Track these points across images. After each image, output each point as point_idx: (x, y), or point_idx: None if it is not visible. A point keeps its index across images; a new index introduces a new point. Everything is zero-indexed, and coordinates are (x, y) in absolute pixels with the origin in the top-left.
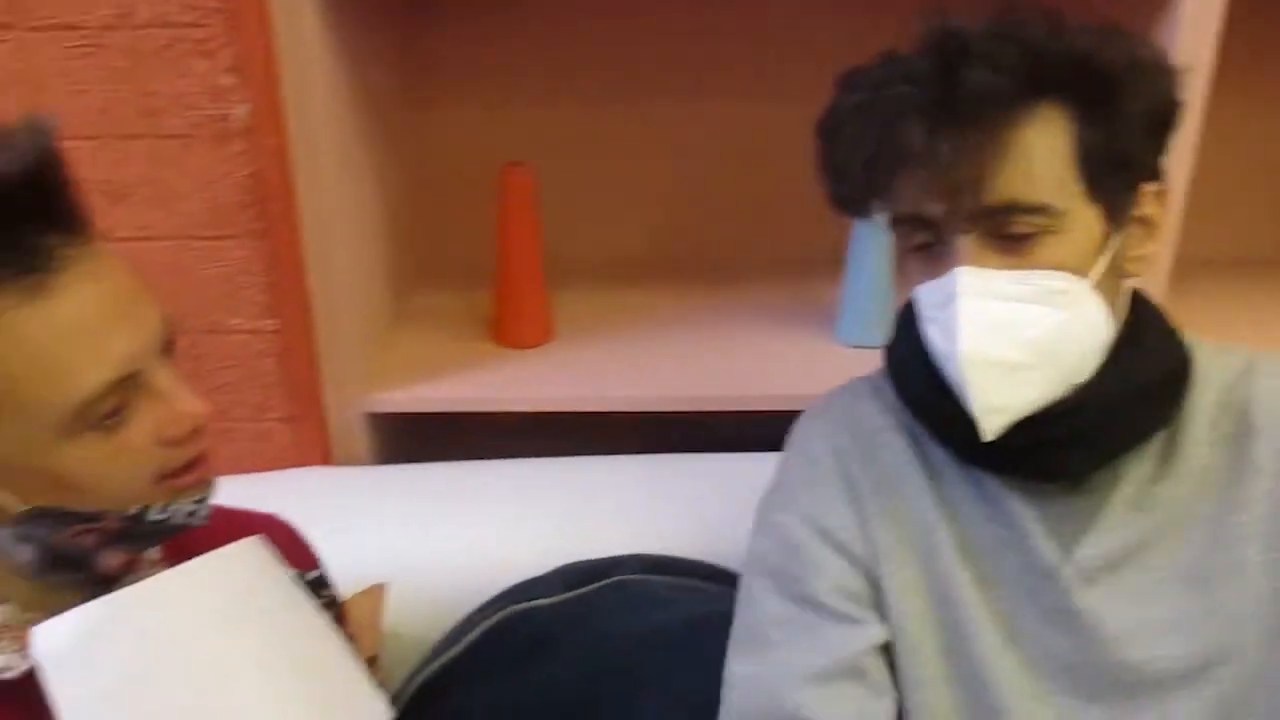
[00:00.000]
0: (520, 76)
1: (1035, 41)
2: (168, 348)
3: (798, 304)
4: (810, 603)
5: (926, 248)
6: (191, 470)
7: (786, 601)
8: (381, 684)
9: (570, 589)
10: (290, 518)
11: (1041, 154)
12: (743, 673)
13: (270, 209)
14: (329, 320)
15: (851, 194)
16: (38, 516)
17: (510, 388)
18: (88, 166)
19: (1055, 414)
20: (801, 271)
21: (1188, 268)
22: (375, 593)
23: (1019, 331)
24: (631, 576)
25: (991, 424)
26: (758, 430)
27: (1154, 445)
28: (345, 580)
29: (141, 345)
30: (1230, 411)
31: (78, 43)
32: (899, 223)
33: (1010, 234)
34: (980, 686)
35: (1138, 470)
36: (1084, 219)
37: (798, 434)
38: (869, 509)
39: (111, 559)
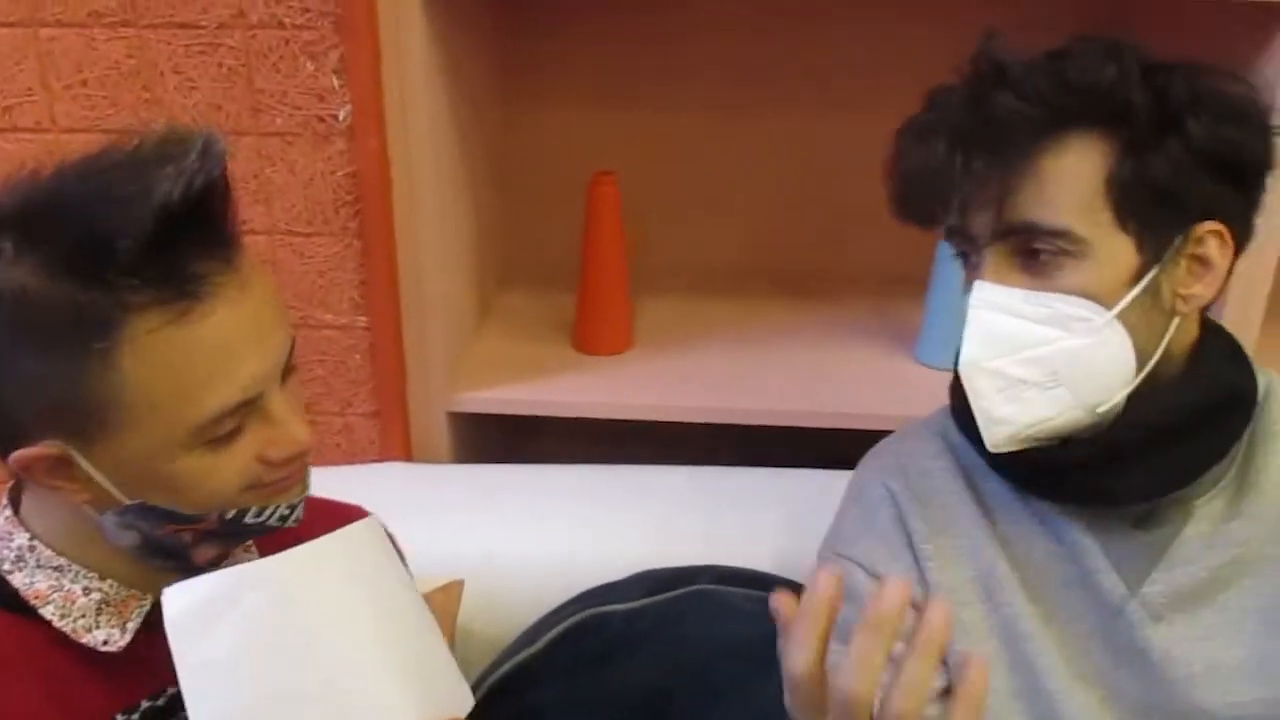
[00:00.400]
0: (613, 84)
1: (1070, 72)
2: (288, 370)
3: (879, 322)
4: None
5: (966, 260)
6: (283, 484)
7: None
8: None
9: (649, 595)
10: (372, 512)
11: (1068, 180)
12: None
13: (367, 208)
14: (417, 319)
15: (898, 205)
16: (141, 511)
17: (588, 393)
18: None
19: (1089, 438)
20: (884, 289)
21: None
22: (452, 589)
23: (1025, 348)
24: (710, 586)
25: (995, 435)
26: (834, 447)
27: (1227, 482)
28: (423, 576)
29: (268, 369)
30: None
31: (192, 41)
32: (947, 235)
33: (1031, 254)
34: None
35: (1209, 507)
36: (1113, 249)
37: (854, 479)
38: (923, 551)
39: (206, 552)
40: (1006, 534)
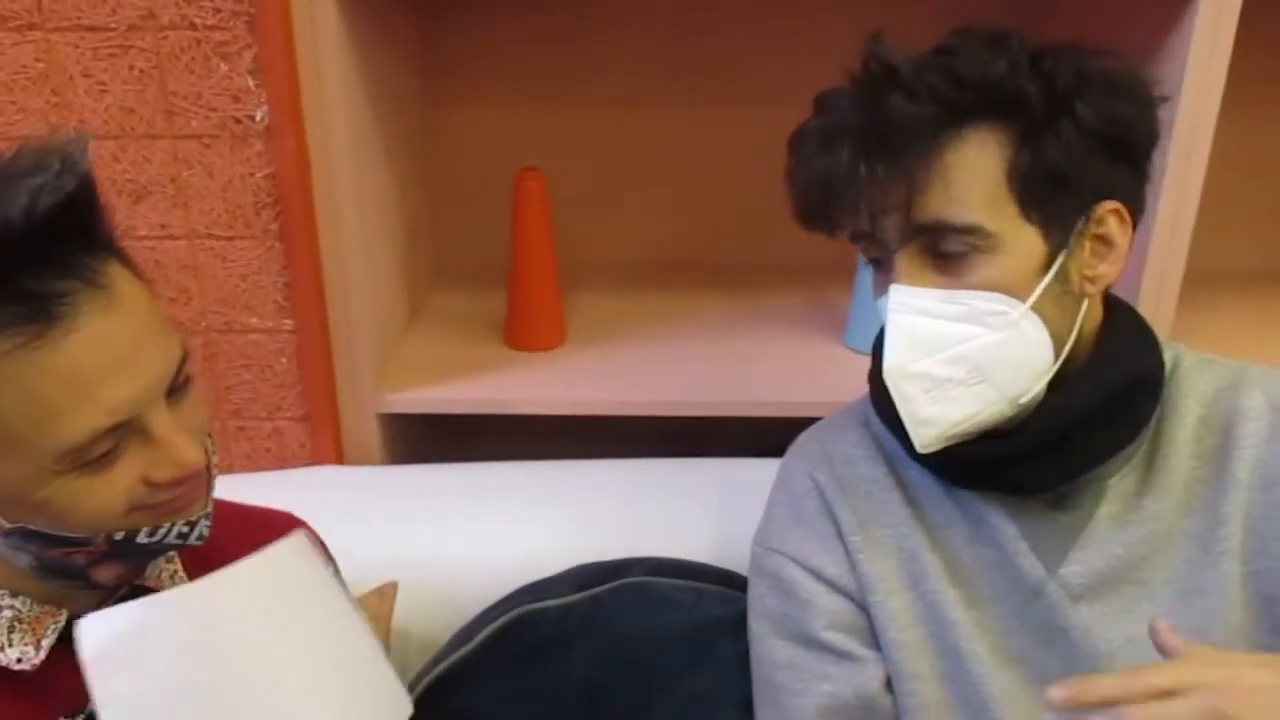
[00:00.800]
0: (537, 80)
1: (960, 68)
2: (178, 387)
3: (809, 310)
4: (811, 642)
5: (877, 265)
6: (175, 505)
7: (788, 643)
8: None
9: (582, 589)
10: (303, 516)
11: (970, 176)
12: (763, 719)
13: (288, 210)
14: (344, 321)
15: (800, 212)
16: (24, 535)
17: (522, 390)
18: (109, 166)
19: (1011, 430)
20: (813, 278)
21: (1200, 281)
22: (386, 592)
23: (946, 348)
24: (643, 578)
25: (923, 436)
26: (769, 435)
27: (1137, 459)
28: (356, 579)
29: (140, 393)
30: (1214, 424)
31: (101, 43)
32: (852, 239)
33: (942, 253)
34: (980, 709)
35: (1121, 485)
36: (1020, 239)
37: (782, 471)
38: (853, 542)
39: (107, 572)
40: (930, 521)
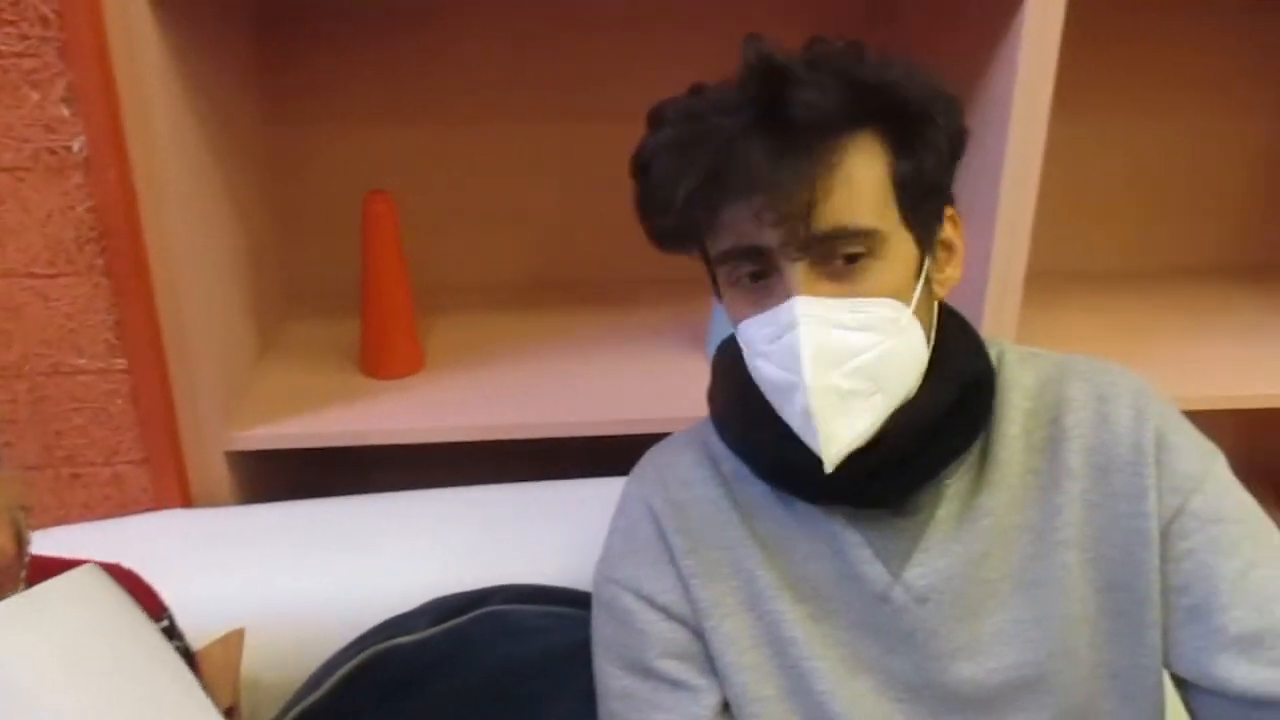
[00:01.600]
0: (383, 100)
1: (855, 70)
2: None
3: (670, 324)
4: (647, 672)
5: (755, 280)
6: None
7: (626, 673)
8: None
9: (438, 623)
10: (144, 564)
11: (866, 180)
12: None
13: (113, 244)
14: (183, 357)
15: (677, 228)
16: None
17: (379, 420)
18: None
19: (876, 442)
20: (672, 291)
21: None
22: (231, 640)
23: (850, 360)
24: (501, 607)
25: (832, 453)
26: (638, 452)
27: (971, 458)
28: (200, 628)
29: None
30: (1042, 417)
31: None
32: (726, 257)
33: (839, 259)
34: None
35: (957, 485)
36: (903, 245)
37: (621, 499)
38: (686, 566)
39: None
40: (767, 539)
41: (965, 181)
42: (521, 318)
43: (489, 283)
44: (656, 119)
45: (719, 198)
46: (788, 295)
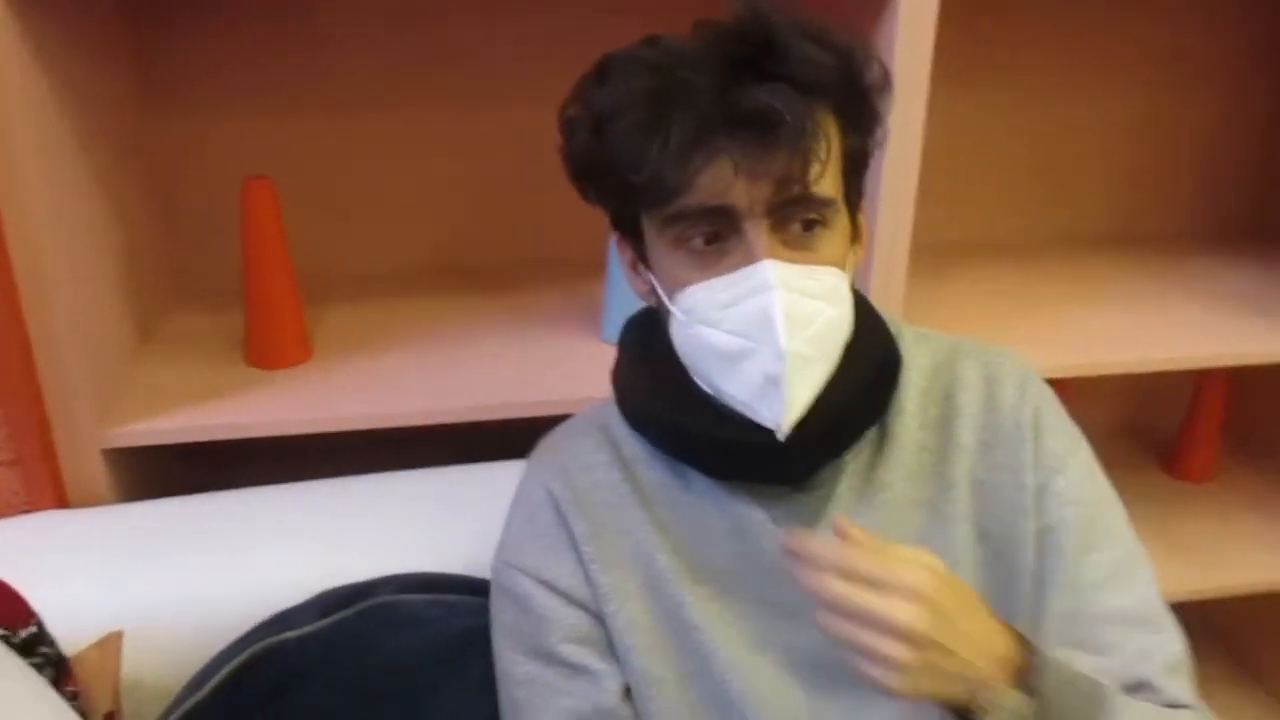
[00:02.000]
0: (263, 86)
1: (826, 38)
2: None
3: (563, 307)
4: (548, 657)
5: (709, 243)
6: None
7: (527, 658)
8: None
9: (324, 616)
10: (17, 569)
11: (830, 151)
12: None
13: None
14: (52, 353)
15: (645, 185)
16: None
17: (265, 411)
18: None
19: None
20: (565, 274)
21: (926, 255)
22: (109, 644)
23: (810, 326)
24: (390, 598)
25: (791, 418)
26: (537, 434)
27: (870, 434)
28: (82, 632)
29: None
30: (936, 395)
31: None
32: (682, 217)
33: (797, 225)
34: (726, 705)
35: (856, 461)
36: (843, 218)
37: (519, 484)
38: (586, 552)
39: None
40: (668, 522)
41: None
42: (411, 305)
43: (378, 270)
44: (606, 71)
45: (698, 154)
46: (749, 259)
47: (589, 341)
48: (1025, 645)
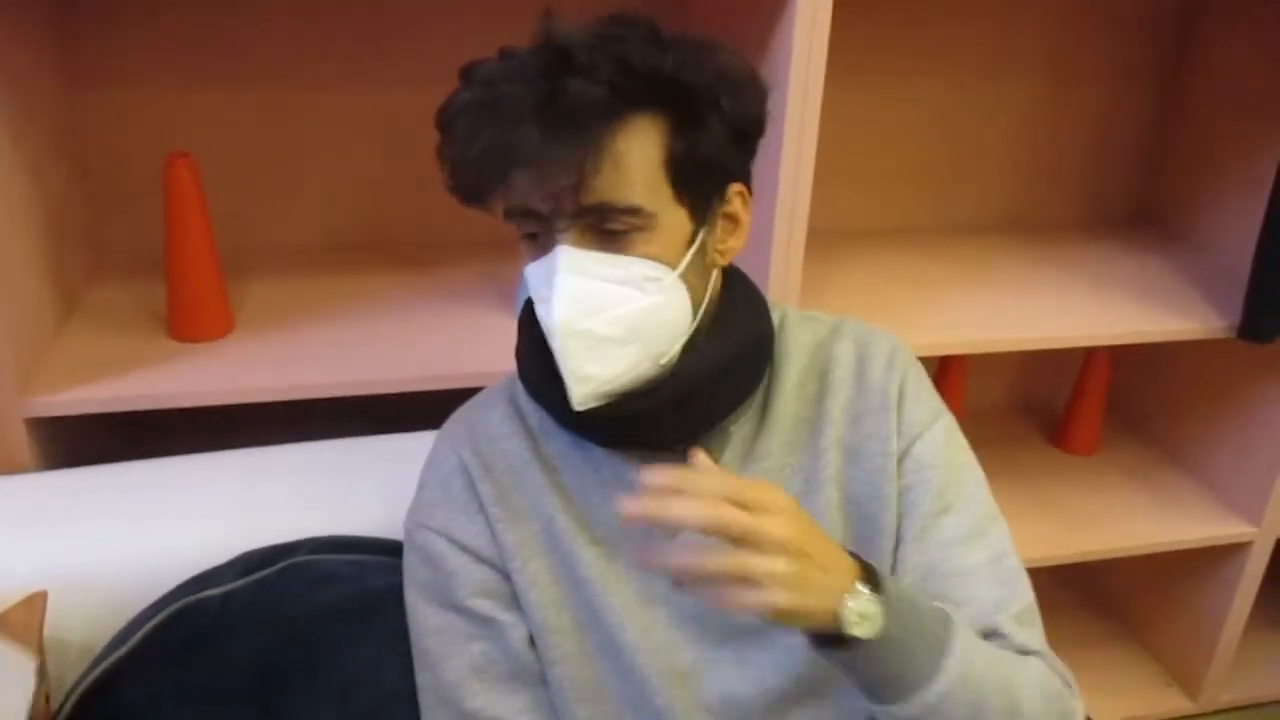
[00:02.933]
0: (186, 60)
1: (631, 57)
2: None
3: (480, 284)
4: (458, 609)
5: (533, 238)
6: None
7: (439, 609)
8: (47, 694)
9: (244, 575)
10: None
11: (635, 160)
12: (421, 682)
13: None
14: None
15: (466, 186)
16: None
17: (187, 382)
18: None
19: (649, 389)
20: (482, 253)
21: (822, 240)
22: (34, 602)
23: (609, 309)
24: (308, 557)
25: (580, 392)
26: (448, 406)
27: (755, 405)
28: (5, 593)
29: None
30: (814, 371)
31: None
32: (510, 214)
33: (605, 231)
34: (616, 653)
35: (740, 431)
36: (673, 219)
37: (431, 451)
38: (493, 513)
39: None
40: (568, 487)
41: None
42: (333, 279)
43: (301, 244)
44: (465, 77)
45: (504, 165)
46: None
47: (504, 318)
48: (868, 564)
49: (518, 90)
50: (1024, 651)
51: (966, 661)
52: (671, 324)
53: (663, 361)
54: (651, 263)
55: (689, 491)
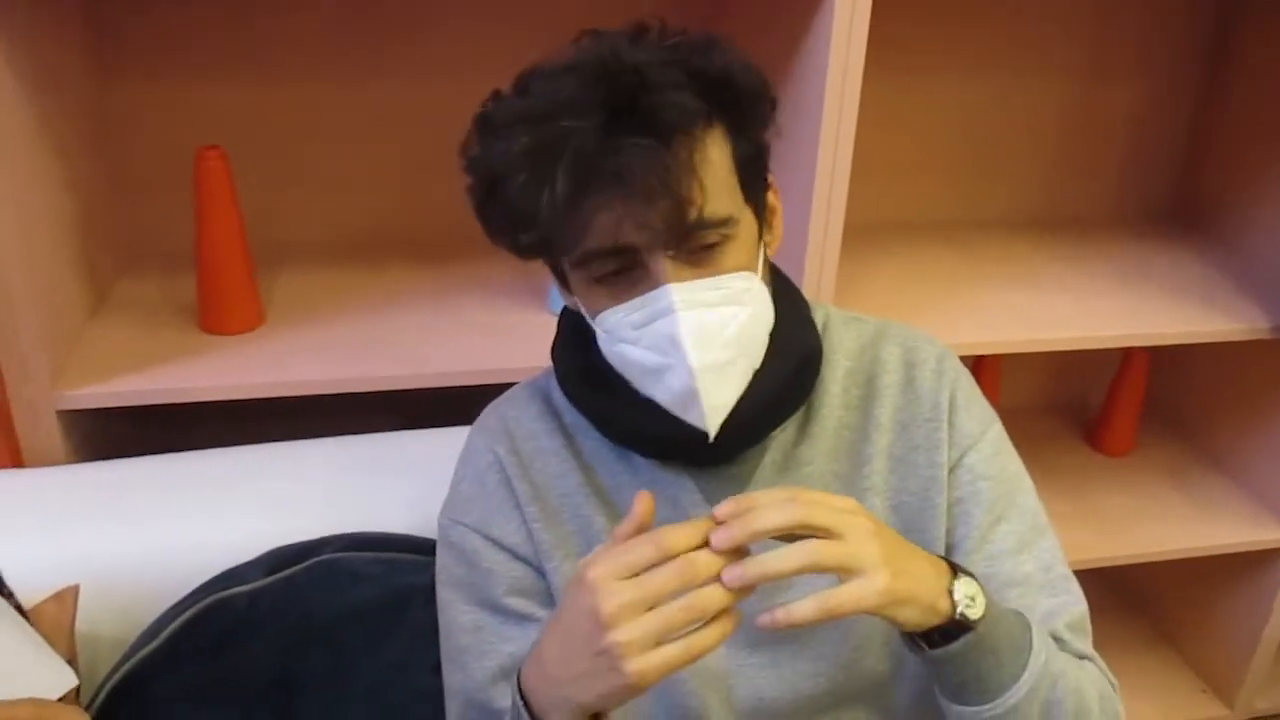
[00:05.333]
0: (218, 54)
1: (694, 65)
2: None
3: (512, 279)
4: (493, 606)
5: (617, 275)
6: None
7: (473, 608)
8: (78, 688)
9: (271, 573)
10: None
11: (718, 170)
12: (451, 683)
13: None
14: (8, 319)
15: (542, 240)
16: None
17: (217, 376)
18: None
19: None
20: None
21: (860, 234)
22: (65, 596)
23: (720, 332)
24: (335, 555)
25: (715, 422)
26: (480, 402)
27: (796, 413)
28: (39, 586)
29: None
30: (859, 377)
31: None
32: (590, 258)
33: (700, 247)
34: None
35: (781, 437)
36: (746, 222)
37: (466, 447)
38: (529, 512)
39: None
40: (604, 488)
41: (785, 144)
42: (364, 274)
43: (333, 239)
44: (489, 127)
45: (586, 206)
46: (654, 285)
47: (536, 313)
48: (948, 559)
49: (585, 120)
50: (1080, 657)
51: (1047, 662)
52: (764, 329)
53: (756, 367)
54: (743, 273)
55: (759, 506)
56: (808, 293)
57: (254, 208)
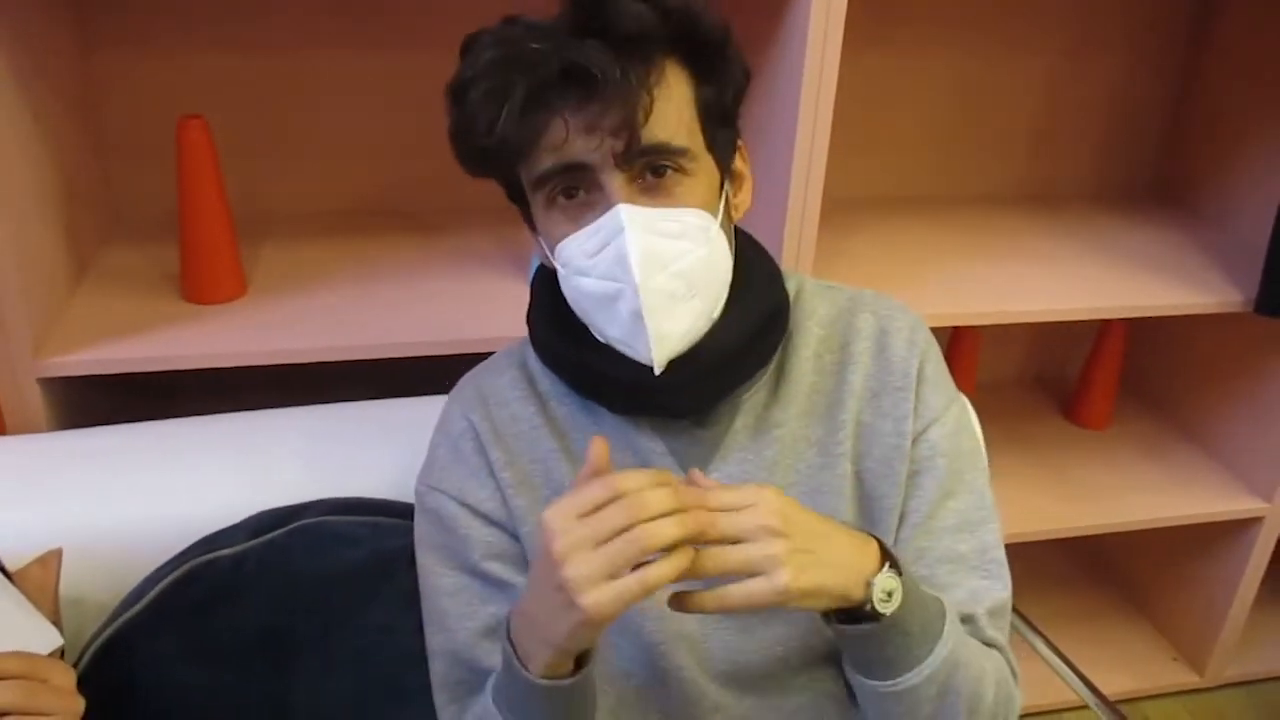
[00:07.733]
0: (203, 23)
1: (673, 3)
2: None
3: (494, 250)
4: (473, 571)
5: (570, 197)
6: None
7: (453, 571)
8: (62, 650)
9: (256, 536)
10: None
11: (679, 101)
12: (433, 644)
13: None
14: None
15: (499, 147)
16: None
17: (199, 344)
18: None
19: (689, 356)
20: (496, 219)
21: (837, 207)
22: (49, 560)
23: (672, 264)
24: (319, 519)
25: (660, 353)
26: (453, 372)
27: (768, 375)
28: (22, 551)
29: None
30: (833, 343)
31: None
32: (546, 178)
33: (654, 175)
34: (627, 615)
35: (753, 399)
36: (706, 165)
37: (442, 415)
38: (503, 478)
39: None
40: (577, 452)
41: (765, 115)
42: (346, 243)
43: (314, 209)
44: (470, 47)
45: (544, 114)
46: (608, 206)
47: (516, 283)
48: (884, 545)
49: (550, 42)
50: (989, 644)
51: (953, 650)
52: (721, 275)
53: (713, 316)
54: (701, 211)
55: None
56: (786, 265)
57: (238, 177)
